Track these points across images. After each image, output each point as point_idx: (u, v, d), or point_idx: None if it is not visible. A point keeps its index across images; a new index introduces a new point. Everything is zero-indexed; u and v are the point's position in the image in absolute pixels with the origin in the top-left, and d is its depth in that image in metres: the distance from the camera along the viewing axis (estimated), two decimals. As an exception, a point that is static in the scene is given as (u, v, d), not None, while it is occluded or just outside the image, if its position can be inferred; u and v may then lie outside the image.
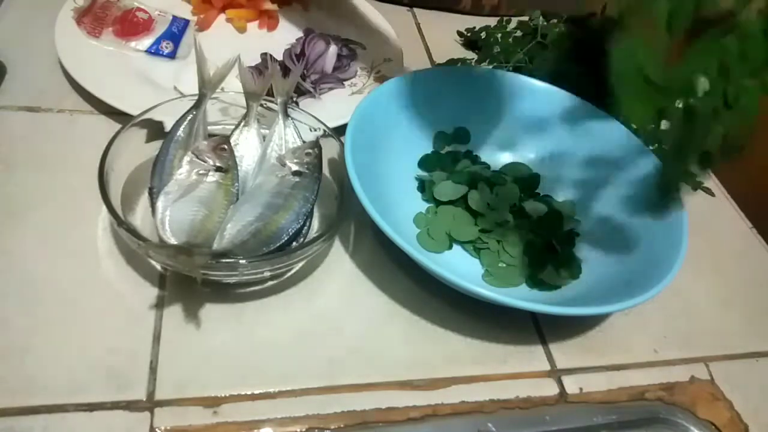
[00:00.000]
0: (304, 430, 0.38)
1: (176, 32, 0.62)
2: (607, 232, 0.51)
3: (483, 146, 0.57)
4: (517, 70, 0.61)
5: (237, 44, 0.65)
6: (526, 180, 0.55)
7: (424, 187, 0.53)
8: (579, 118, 0.55)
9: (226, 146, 0.45)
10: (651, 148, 0.53)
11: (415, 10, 0.78)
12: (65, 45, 0.56)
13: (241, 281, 0.44)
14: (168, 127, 0.47)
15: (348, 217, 0.50)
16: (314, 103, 0.59)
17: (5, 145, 0.49)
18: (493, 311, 0.44)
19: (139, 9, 0.62)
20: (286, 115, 0.49)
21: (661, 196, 0.41)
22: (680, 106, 0.35)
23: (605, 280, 0.47)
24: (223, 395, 0.38)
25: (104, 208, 0.40)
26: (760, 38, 0.32)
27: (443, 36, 0.75)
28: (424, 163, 0.55)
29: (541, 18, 0.69)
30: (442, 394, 0.42)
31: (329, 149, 0.48)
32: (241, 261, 0.39)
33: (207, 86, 0.48)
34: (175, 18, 0.63)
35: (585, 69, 0.61)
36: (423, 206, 0.52)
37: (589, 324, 0.48)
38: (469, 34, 0.74)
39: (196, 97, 0.48)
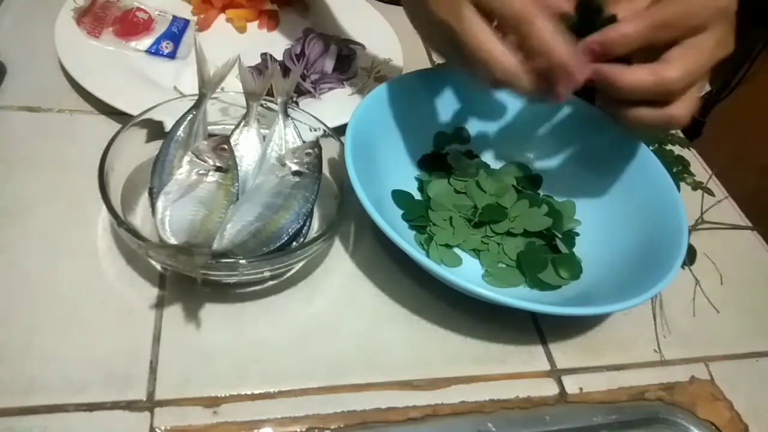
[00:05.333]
0: (304, 430, 0.38)
1: (176, 32, 0.62)
2: (607, 232, 0.51)
3: (483, 146, 0.57)
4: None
5: (237, 44, 0.65)
6: (526, 180, 0.55)
7: (423, 187, 0.53)
8: (578, 118, 0.55)
9: (226, 146, 0.45)
10: (651, 148, 0.53)
11: (415, 10, 0.78)
12: (65, 45, 0.56)
13: (241, 281, 0.44)
14: (168, 127, 0.47)
15: (348, 217, 0.50)
16: (314, 103, 0.59)
17: (5, 145, 0.49)
18: (493, 311, 0.44)
19: (139, 9, 0.62)
20: (286, 115, 0.49)
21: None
22: None
23: (605, 280, 0.47)
24: (223, 395, 0.38)
25: (104, 208, 0.40)
26: None
27: (443, 36, 0.74)
28: (424, 163, 0.55)
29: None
30: (442, 394, 0.42)
31: (329, 149, 0.48)
32: (241, 261, 0.39)
33: (207, 86, 0.48)
34: (175, 18, 0.63)
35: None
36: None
37: (589, 324, 0.48)
38: (469, 34, 0.73)
39: (196, 97, 0.48)
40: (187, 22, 0.64)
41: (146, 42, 0.60)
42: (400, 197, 0.51)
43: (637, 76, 0.39)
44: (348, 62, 0.64)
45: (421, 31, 0.47)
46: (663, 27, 0.38)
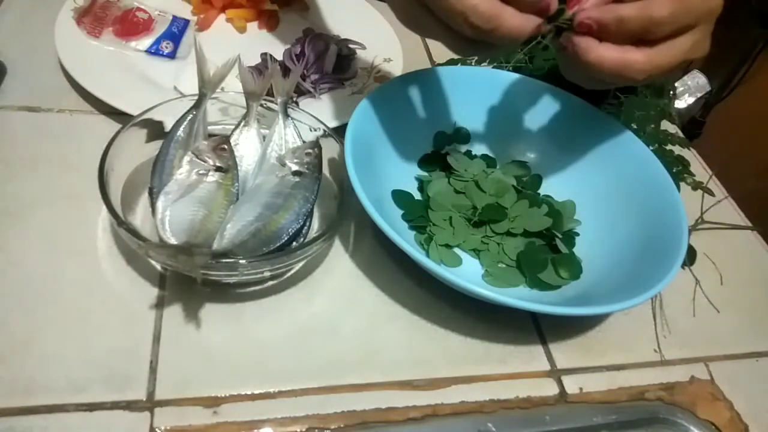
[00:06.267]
0: (304, 430, 0.38)
1: (176, 32, 0.62)
2: (607, 231, 0.51)
3: (483, 146, 0.57)
4: (517, 70, 0.61)
5: (237, 44, 0.65)
6: (526, 180, 0.55)
7: (423, 187, 0.53)
8: (579, 117, 0.55)
9: (226, 146, 0.45)
10: (651, 148, 0.53)
11: (415, 10, 0.78)
12: (65, 45, 0.56)
13: (241, 281, 0.44)
14: (168, 127, 0.47)
15: (348, 217, 0.50)
16: (314, 103, 0.59)
17: (5, 145, 0.49)
18: (493, 311, 0.44)
19: (139, 9, 0.62)
20: (286, 115, 0.49)
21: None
22: None
23: (605, 280, 0.46)
24: (223, 395, 0.38)
25: (104, 208, 0.40)
26: None
27: (443, 36, 0.75)
28: (424, 163, 0.55)
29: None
30: (442, 394, 0.42)
31: (329, 149, 0.48)
32: (241, 261, 0.39)
33: (207, 86, 0.48)
34: (175, 18, 0.63)
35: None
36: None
37: (589, 324, 0.48)
38: (469, 34, 0.73)
39: (196, 97, 0.48)
40: (187, 22, 0.64)
41: (146, 42, 0.60)
42: (400, 197, 0.51)
43: (605, 52, 0.37)
44: (348, 62, 0.64)
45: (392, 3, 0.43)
46: (663, 23, 0.37)
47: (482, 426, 0.41)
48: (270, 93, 0.49)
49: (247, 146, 0.48)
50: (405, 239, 0.40)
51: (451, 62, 0.68)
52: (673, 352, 0.48)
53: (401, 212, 0.50)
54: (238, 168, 0.46)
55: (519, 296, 0.45)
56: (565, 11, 0.38)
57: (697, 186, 0.63)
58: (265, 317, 0.43)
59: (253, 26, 0.68)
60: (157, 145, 0.46)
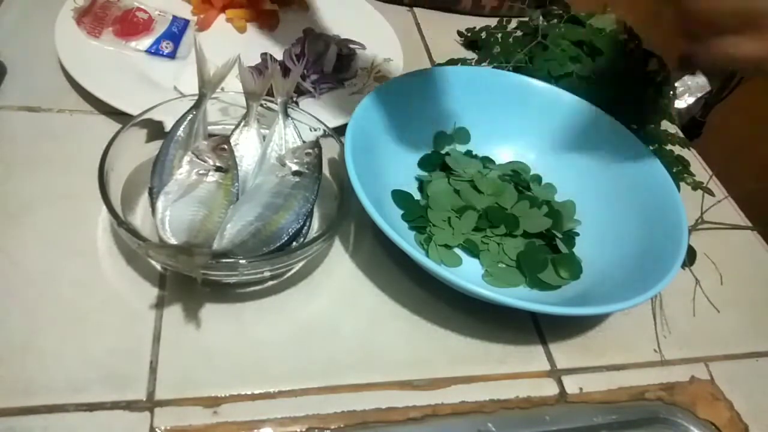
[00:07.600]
0: (304, 430, 0.38)
1: (176, 32, 0.62)
2: (607, 232, 0.51)
3: (483, 146, 0.57)
4: (517, 70, 0.61)
5: (237, 44, 0.65)
6: (526, 181, 0.55)
7: (423, 187, 0.53)
8: (579, 118, 0.55)
9: (226, 146, 0.45)
10: (651, 148, 0.53)
11: (415, 9, 0.78)
12: (65, 45, 0.56)
13: (241, 281, 0.44)
14: (168, 127, 0.47)
15: (348, 217, 0.50)
16: (314, 103, 0.59)
17: (5, 145, 0.49)
18: (493, 311, 0.44)
19: (139, 9, 0.62)
20: (286, 115, 0.49)
21: None
22: None
23: (605, 280, 0.47)
24: (223, 395, 0.38)
25: (104, 208, 0.40)
26: None
27: (443, 36, 0.75)
28: (424, 163, 0.55)
29: (541, 18, 0.70)
30: (442, 394, 0.42)
31: (329, 149, 0.48)
32: (241, 261, 0.39)
33: (207, 86, 0.48)
34: (175, 18, 0.63)
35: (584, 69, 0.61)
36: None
37: (589, 324, 0.48)
38: (469, 34, 0.74)
39: (196, 97, 0.48)
40: (187, 22, 0.64)
41: (146, 42, 0.60)
42: (400, 197, 0.51)
43: None
44: (348, 62, 0.64)
45: None
46: None
47: (482, 426, 0.41)
48: (270, 93, 0.49)
49: (247, 146, 0.48)
50: (405, 239, 0.40)
51: (451, 62, 0.68)
52: (673, 352, 0.48)
53: (401, 212, 0.50)
54: (238, 168, 0.46)
55: (519, 296, 0.45)
56: None
57: (697, 186, 0.63)
58: (265, 317, 0.43)
59: (253, 26, 0.68)
60: (157, 145, 0.46)
